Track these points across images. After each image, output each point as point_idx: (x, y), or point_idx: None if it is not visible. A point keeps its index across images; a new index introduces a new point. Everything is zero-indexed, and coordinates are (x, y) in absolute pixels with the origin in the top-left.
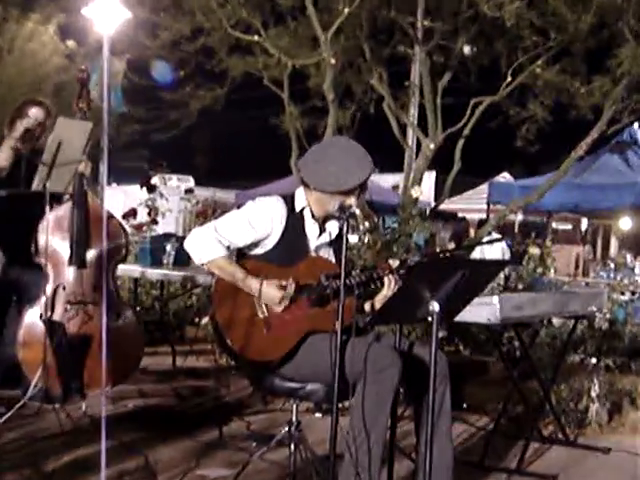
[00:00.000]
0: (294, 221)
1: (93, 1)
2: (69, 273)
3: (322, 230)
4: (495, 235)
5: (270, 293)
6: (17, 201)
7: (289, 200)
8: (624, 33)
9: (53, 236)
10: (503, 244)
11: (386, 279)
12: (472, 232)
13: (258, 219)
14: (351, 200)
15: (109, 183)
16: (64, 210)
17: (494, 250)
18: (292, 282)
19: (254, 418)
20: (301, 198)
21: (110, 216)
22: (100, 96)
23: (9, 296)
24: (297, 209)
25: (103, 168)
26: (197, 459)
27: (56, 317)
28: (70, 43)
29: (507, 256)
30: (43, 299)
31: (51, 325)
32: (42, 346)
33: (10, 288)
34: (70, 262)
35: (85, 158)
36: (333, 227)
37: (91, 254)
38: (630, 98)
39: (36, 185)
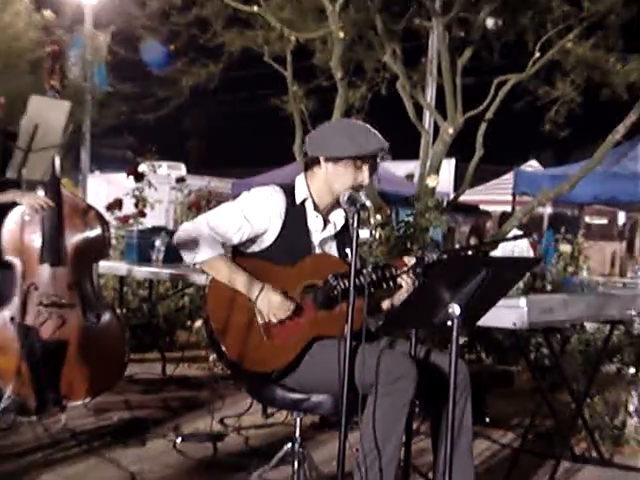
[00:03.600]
0: (295, 214)
1: None
2: (41, 271)
3: (326, 224)
4: (519, 232)
5: (273, 299)
6: None
7: (289, 190)
8: None
9: (23, 230)
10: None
11: (403, 281)
12: (489, 226)
13: (254, 212)
14: (364, 174)
15: (91, 170)
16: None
17: (524, 247)
18: (298, 290)
19: (253, 433)
20: (302, 188)
21: (88, 207)
22: (83, 73)
23: None
24: (298, 201)
25: (85, 154)
26: (189, 478)
27: (28, 320)
28: (47, 13)
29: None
30: (14, 300)
31: (23, 329)
32: (14, 352)
33: None
34: (42, 259)
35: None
36: (338, 217)
37: (66, 250)
38: None
39: (10, 173)
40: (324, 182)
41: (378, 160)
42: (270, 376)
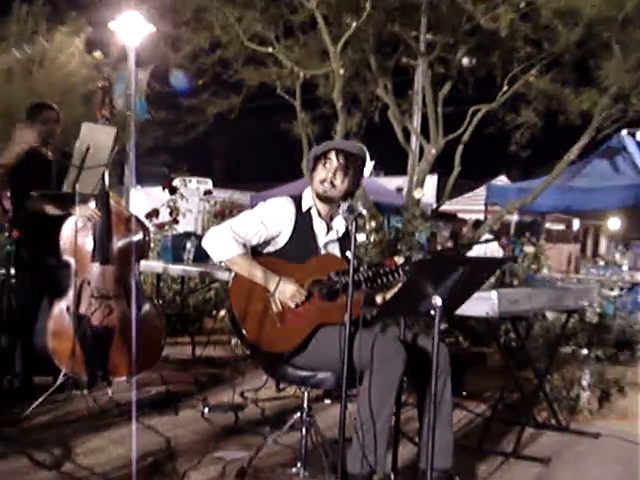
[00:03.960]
0: (303, 220)
1: (119, 15)
2: (93, 269)
3: (329, 228)
4: (490, 236)
5: (286, 289)
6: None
7: (297, 200)
8: (611, 46)
9: (78, 235)
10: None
11: (393, 277)
12: (465, 231)
13: (269, 218)
14: (328, 170)
15: (134, 185)
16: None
17: (494, 248)
18: (306, 284)
19: (268, 404)
20: (308, 198)
21: (131, 215)
22: (126, 104)
23: (42, 290)
24: (304, 208)
25: (128, 171)
26: (215, 442)
27: (81, 310)
28: (97, 54)
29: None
30: (70, 293)
31: (77, 317)
32: (69, 337)
33: (42, 283)
34: (93, 259)
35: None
36: (339, 225)
37: (113, 251)
38: (616, 107)
39: (66, 187)
40: (315, 187)
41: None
42: (282, 356)
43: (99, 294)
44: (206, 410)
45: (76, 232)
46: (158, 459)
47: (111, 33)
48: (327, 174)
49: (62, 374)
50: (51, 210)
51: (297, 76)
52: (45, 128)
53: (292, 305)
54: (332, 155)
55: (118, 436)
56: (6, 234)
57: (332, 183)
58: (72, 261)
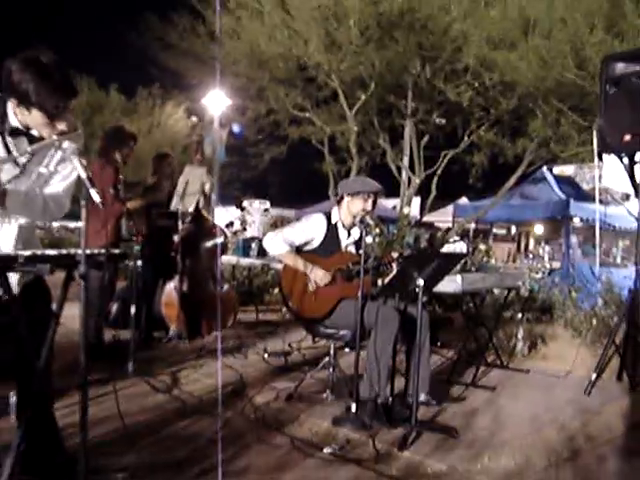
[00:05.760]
0: (331, 229)
1: (208, 93)
2: (192, 261)
3: (349, 235)
4: (456, 238)
5: (318, 274)
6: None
7: (327, 215)
8: (535, 111)
9: (182, 239)
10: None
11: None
12: (439, 235)
13: (308, 228)
14: (368, 204)
15: (217, 204)
16: (186, 223)
17: (460, 246)
18: (332, 271)
19: (307, 352)
20: (335, 214)
21: (215, 225)
22: (212, 152)
23: (158, 275)
24: (333, 221)
25: (214, 195)
26: (271, 377)
27: (184, 288)
28: (193, 119)
29: (464, 250)
30: (176, 277)
31: (181, 293)
32: (176, 306)
33: (159, 270)
34: (191, 255)
35: (209, 188)
36: (356, 233)
37: (204, 249)
38: (539, 151)
39: (173, 207)
40: (347, 209)
41: (377, 198)
42: (316, 320)
43: (195, 278)
44: (266, 355)
45: (180, 237)
46: (234, 387)
47: (203, 105)
48: (366, 206)
49: (171, 330)
50: (163, 222)
51: (324, 132)
52: (170, 168)
53: (322, 285)
54: (372, 195)
55: (207, 371)
56: (133, 239)
57: (366, 211)
58: (178, 256)
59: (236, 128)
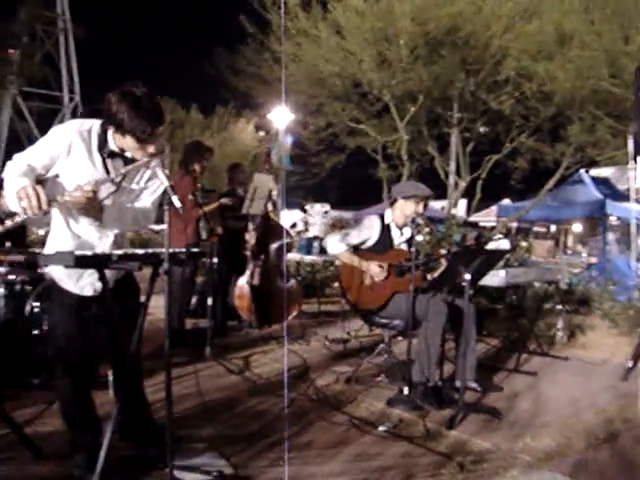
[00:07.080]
0: (385, 230)
1: (273, 109)
2: (261, 259)
3: (401, 234)
4: (500, 236)
5: (374, 270)
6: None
7: (382, 216)
8: (573, 118)
9: (251, 239)
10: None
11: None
12: (485, 233)
13: (364, 229)
14: (420, 207)
15: (283, 208)
16: (256, 224)
17: (504, 244)
18: (385, 267)
19: (365, 340)
20: (388, 215)
21: (281, 226)
22: (279, 161)
23: (232, 270)
24: (386, 222)
25: (280, 200)
26: (332, 361)
27: (254, 282)
28: (261, 133)
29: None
30: (247, 272)
31: (252, 287)
32: (248, 298)
33: (232, 266)
34: (260, 253)
35: (275, 194)
36: (407, 232)
37: (272, 248)
38: (576, 156)
39: (244, 211)
40: (400, 211)
41: (428, 201)
42: (372, 311)
43: (265, 273)
44: (327, 342)
45: (250, 238)
46: (298, 371)
47: (269, 120)
48: (418, 208)
49: (243, 319)
50: (236, 224)
51: (378, 141)
52: (242, 176)
53: (377, 280)
54: (424, 199)
55: (275, 356)
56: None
57: (418, 213)
58: (249, 254)
59: (290, 138)
